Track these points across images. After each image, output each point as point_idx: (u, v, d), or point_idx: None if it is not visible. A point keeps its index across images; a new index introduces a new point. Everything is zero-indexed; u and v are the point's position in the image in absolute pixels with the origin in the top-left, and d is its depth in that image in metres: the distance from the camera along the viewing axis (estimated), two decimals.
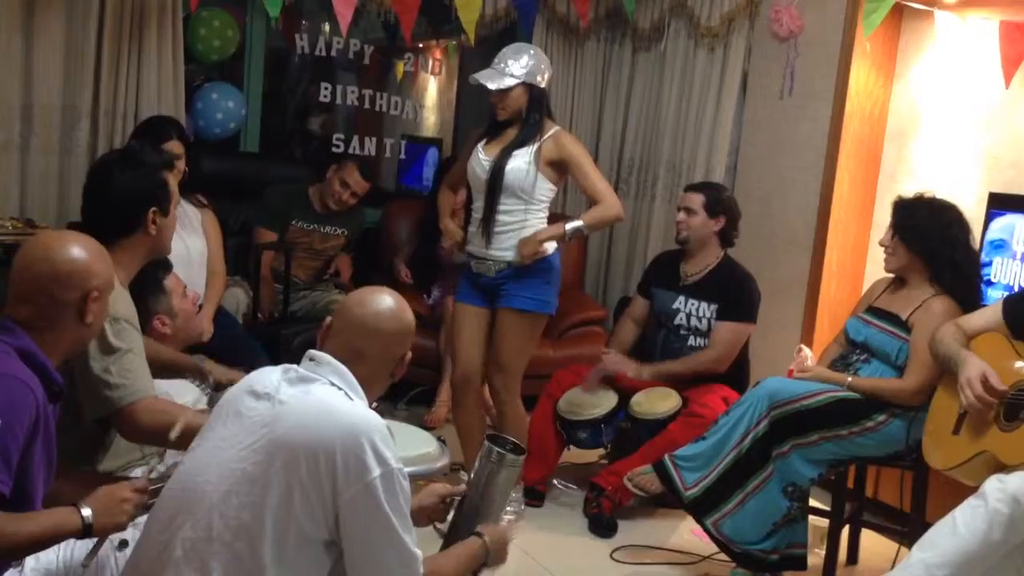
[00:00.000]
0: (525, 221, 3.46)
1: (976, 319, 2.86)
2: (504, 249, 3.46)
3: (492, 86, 3.40)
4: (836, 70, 4.18)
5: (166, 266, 2.83)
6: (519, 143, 3.44)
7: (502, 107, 3.45)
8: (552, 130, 3.50)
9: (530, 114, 3.46)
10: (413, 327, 2.01)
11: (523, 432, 3.58)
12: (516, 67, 3.41)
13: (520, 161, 3.42)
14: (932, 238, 3.14)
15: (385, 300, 1.98)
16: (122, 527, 1.86)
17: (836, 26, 4.19)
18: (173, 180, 2.43)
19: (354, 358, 1.91)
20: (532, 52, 3.48)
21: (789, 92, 4.45)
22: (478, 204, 3.51)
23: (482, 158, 3.49)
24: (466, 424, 3.65)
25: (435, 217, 3.80)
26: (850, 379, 3.15)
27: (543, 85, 3.46)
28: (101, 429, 2.23)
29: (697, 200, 3.77)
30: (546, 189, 3.48)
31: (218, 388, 2.54)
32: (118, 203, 2.33)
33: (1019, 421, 2.54)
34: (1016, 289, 3.37)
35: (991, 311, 2.83)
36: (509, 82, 3.40)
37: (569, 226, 3.46)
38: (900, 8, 3.97)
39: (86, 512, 1.79)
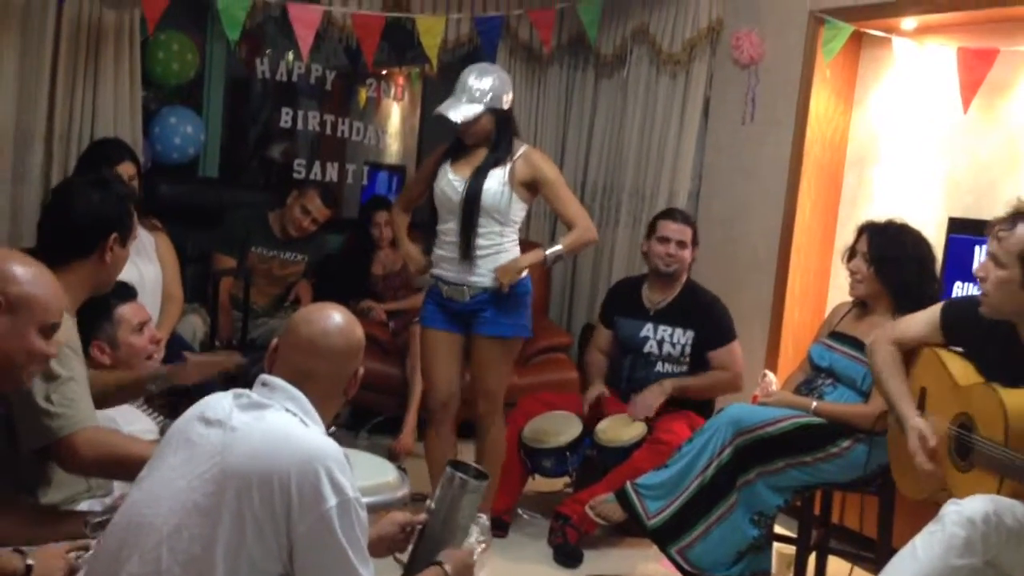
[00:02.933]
0: (501, 244, 3.42)
1: (913, 327, 2.81)
2: (481, 274, 3.40)
3: (456, 118, 3.32)
4: (797, 96, 4.21)
5: (125, 294, 2.74)
6: (491, 164, 3.38)
7: (469, 134, 3.39)
8: (521, 149, 3.45)
9: (499, 138, 3.40)
10: (363, 342, 1.96)
11: (503, 457, 3.54)
12: (479, 92, 3.34)
13: (494, 182, 3.36)
14: (909, 272, 3.14)
15: (332, 317, 1.92)
16: None
17: (796, 53, 4.22)
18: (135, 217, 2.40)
19: (305, 379, 1.85)
20: (494, 74, 3.41)
21: (751, 118, 4.47)
22: (448, 227, 3.43)
23: (452, 179, 3.41)
24: (440, 452, 3.55)
25: (364, 243, 3.71)
26: (815, 404, 3.13)
27: (508, 107, 3.41)
28: (43, 460, 2.14)
29: (688, 234, 3.77)
30: (519, 210, 3.44)
31: (174, 394, 2.45)
32: (80, 221, 2.27)
33: (970, 464, 2.53)
34: None
35: (927, 317, 2.78)
36: (475, 110, 3.33)
37: (549, 252, 3.44)
38: (859, 35, 4.01)
39: (30, 561, 1.75)
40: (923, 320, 2.80)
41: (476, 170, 3.38)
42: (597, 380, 3.90)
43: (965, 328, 2.68)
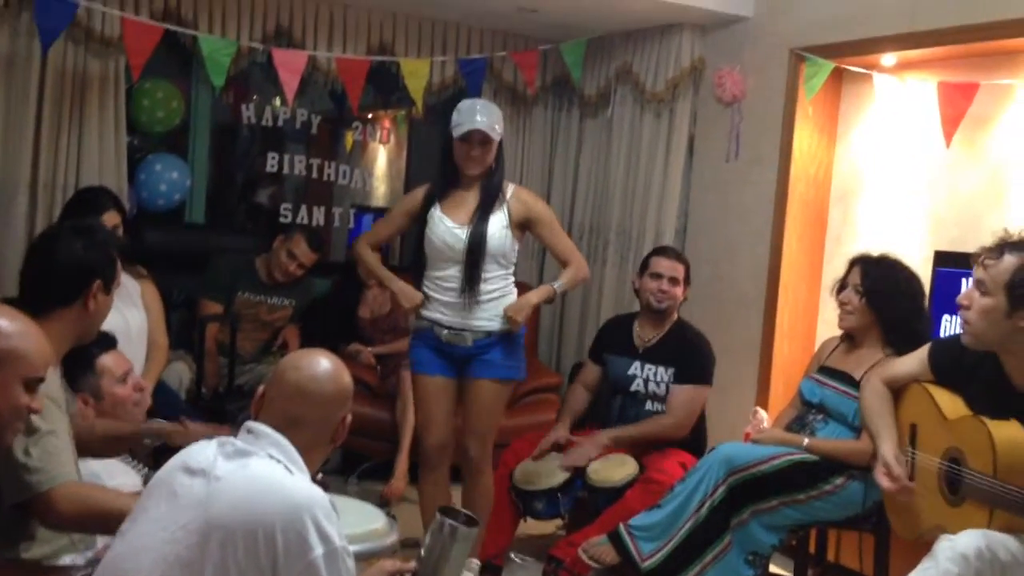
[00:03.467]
0: (505, 288, 3.40)
1: (902, 367, 2.85)
2: (487, 318, 3.36)
3: (495, 135, 3.29)
4: (780, 133, 4.24)
5: (105, 344, 2.71)
6: (488, 205, 3.35)
7: (481, 161, 3.33)
8: (511, 188, 3.45)
9: (495, 171, 3.39)
10: (351, 389, 1.94)
11: (492, 502, 3.49)
12: (493, 120, 3.32)
13: (496, 227, 3.33)
14: (901, 306, 3.14)
15: (320, 362, 1.90)
16: None
17: (778, 90, 4.25)
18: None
19: (292, 426, 1.82)
20: (490, 105, 3.46)
21: (735, 155, 4.50)
22: (448, 273, 3.36)
23: (451, 225, 3.35)
24: (435, 498, 3.47)
25: (353, 284, 3.65)
26: (807, 441, 3.11)
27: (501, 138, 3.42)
28: (25, 514, 2.10)
29: (681, 271, 3.76)
30: (517, 250, 3.44)
31: (164, 450, 2.41)
32: (64, 268, 2.25)
33: (961, 497, 2.52)
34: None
35: (917, 358, 2.81)
36: (499, 132, 3.33)
37: (557, 286, 3.45)
38: (840, 72, 4.05)
39: None
40: (913, 359, 2.83)
41: (476, 215, 3.34)
42: (565, 420, 3.84)
43: (953, 364, 2.69)
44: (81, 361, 2.57)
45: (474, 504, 3.38)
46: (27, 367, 1.81)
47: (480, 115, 3.32)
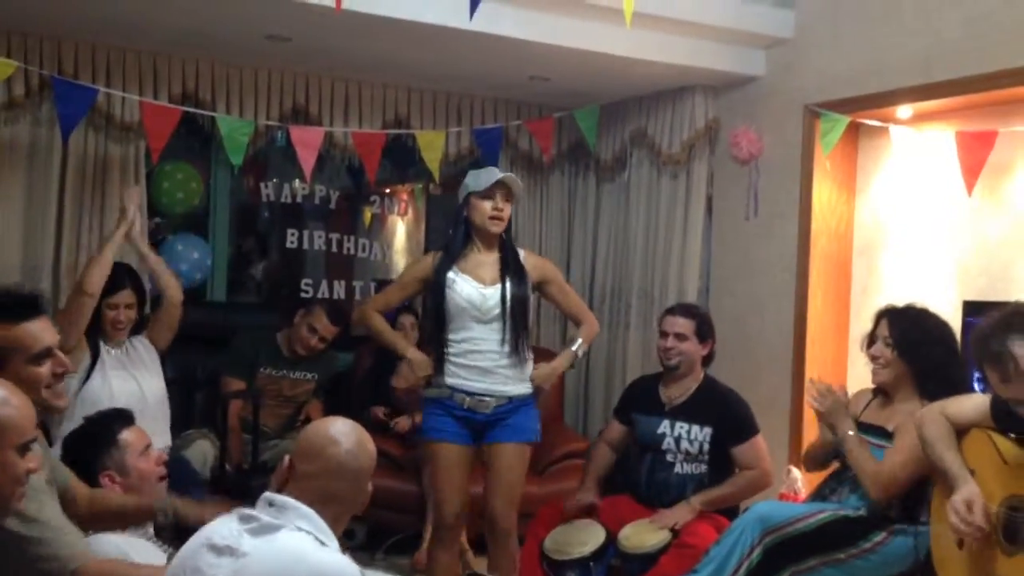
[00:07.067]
0: (528, 352, 3.40)
1: (964, 410, 2.71)
2: (510, 384, 3.35)
3: (518, 190, 3.40)
4: (799, 189, 4.23)
5: (126, 418, 2.70)
6: (517, 266, 3.37)
7: (504, 219, 3.37)
8: (520, 252, 3.48)
9: (507, 236, 3.43)
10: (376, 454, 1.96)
11: (518, 567, 3.45)
12: (515, 178, 3.44)
13: (526, 288, 3.35)
14: (934, 356, 3.06)
15: (352, 435, 1.90)
16: None
17: (795, 146, 4.25)
18: (39, 330, 2.14)
19: (328, 502, 1.82)
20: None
21: (755, 213, 4.48)
22: (471, 335, 3.32)
23: (476, 286, 3.33)
24: (451, 570, 3.46)
25: (391, 353, 3.67)
26: (851, 432, 3.06)
27: None
28: None
29: (688, 326, 3.70)
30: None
31: (181, 529, 2.36)
32: None
33: (1019, 547, 2.42)
34: None
35: (979, 403, 2.69)
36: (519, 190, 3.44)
37: (576, 348, 3.50)
38: (856, 126, 4.05)
39: None
40: (972, 405, 2.70)
41: (504, 276, 3.34)
42: (591, 482, 3.78)
43: (1017, 418, 2.57)
44: (102, 438, 2.55)
45: (504, 571, 3.32)
46: (16, 434, 1.80)
47: (502, 172, 3.41)
